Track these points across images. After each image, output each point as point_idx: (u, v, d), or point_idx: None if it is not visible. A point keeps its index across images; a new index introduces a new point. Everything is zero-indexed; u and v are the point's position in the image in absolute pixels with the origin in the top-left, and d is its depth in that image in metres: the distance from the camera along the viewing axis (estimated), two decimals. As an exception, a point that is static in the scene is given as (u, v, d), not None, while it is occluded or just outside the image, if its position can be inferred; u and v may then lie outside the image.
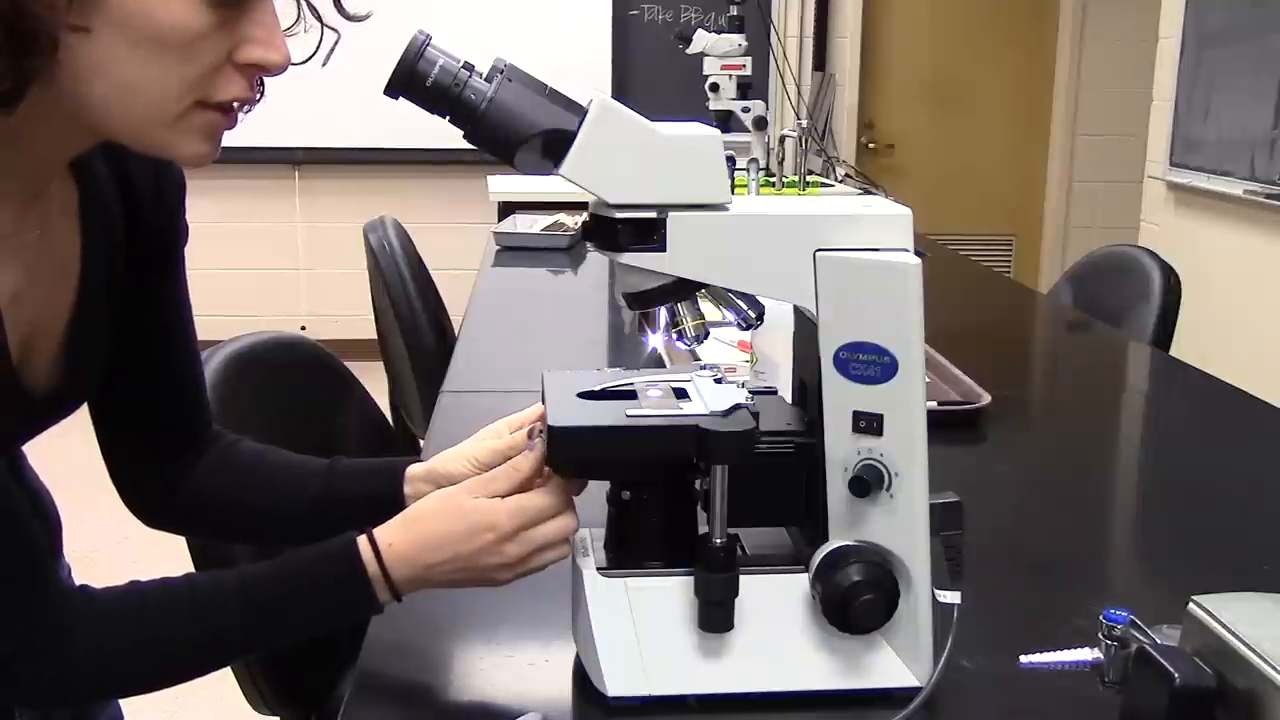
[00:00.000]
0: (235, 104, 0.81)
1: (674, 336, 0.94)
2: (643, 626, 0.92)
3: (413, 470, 1.07)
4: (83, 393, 0.99)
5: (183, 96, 0.78)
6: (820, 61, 5.76)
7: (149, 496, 1.10)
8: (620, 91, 5.39)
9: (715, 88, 3.70)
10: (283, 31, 0.81)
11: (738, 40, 3.71)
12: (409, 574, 0.91)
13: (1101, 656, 0.98)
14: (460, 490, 0.94)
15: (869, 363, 0.89)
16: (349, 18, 0.87)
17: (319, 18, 0.88)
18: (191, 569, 1.22)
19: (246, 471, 1.11)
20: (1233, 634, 0.80)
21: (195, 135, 0.80)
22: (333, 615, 0.93)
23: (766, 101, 4.68)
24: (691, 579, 0.91)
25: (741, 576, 0.90)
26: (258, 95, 0.84)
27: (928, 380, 0.97)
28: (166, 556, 1.30)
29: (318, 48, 0.89)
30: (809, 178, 4.01)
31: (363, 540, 0.91)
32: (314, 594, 0.91)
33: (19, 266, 0.85)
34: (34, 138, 0.82)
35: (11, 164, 0.83)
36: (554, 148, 0.85)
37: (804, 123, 4.12)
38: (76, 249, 0.92)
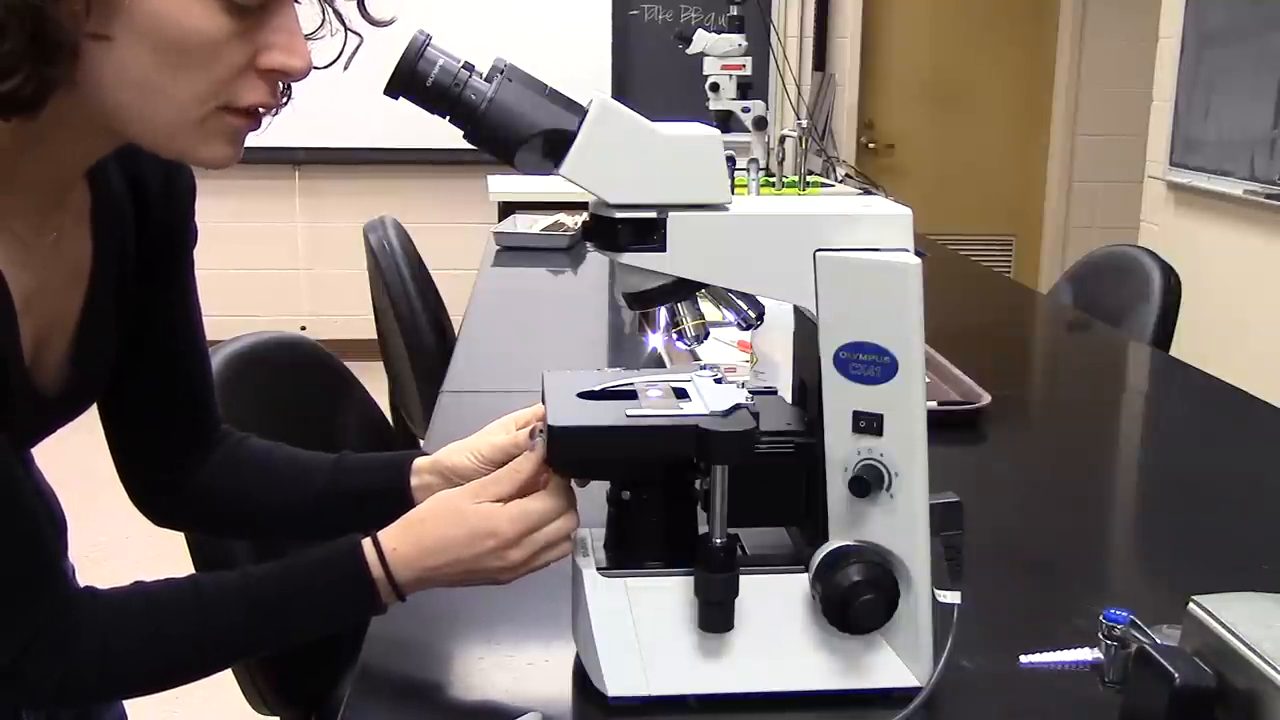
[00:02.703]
0: (259, 109, 0.82)
1: (674, 336, 0.94)
2: (643, 626, 0.92)
3: (419, 463, 1.08)
4: (91, 394, 0.99)
5: (205, 102, 0.78)
6: (820, 61, 5.76)
7: (158, 495, 1.11)
8: (620, 91, 5.39)
9: (715, 88, 3.70)
10: (304, 37, 0.81)
11: (738, 40, 3.71)
12: (412, 577, 0.92)
13: (1101, 656, 0.98)
14: (462, 494, 0.94)
15: (869, 363, 0.89)
16: (375, 23, 0.88)
17: (344, 24, 0.88)
18: (192, 569, 1.22)
19: (255, 468, 1.11)
20: (1233, 634, 0.80)
21: (218, 139, 0.81)
22: (337, 617, 0.93)
23: (766, 101, 4.68)
24: (691, 579, 0.91)
25: (741, 576, 0.90)
26: (283, 100, 0.84)
27: (928, 380, 0.97)
28: (167, 556, 1.30)
29: (341, 52, 0.89)
30: (809, 178, 4.01)
31: (367, 543, 0.91)
32: (318, 595, 0.91)
33: (33, 271, 0.86)
34: (56, 144, 0.82)
35: (35, 172, 0.83)
36: (554, 148, 0.85)
37: (804, 123, 4.12)
38: (88, 253, 0.93)
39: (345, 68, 0.90)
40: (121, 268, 0.96)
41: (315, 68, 0.83)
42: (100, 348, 0.97)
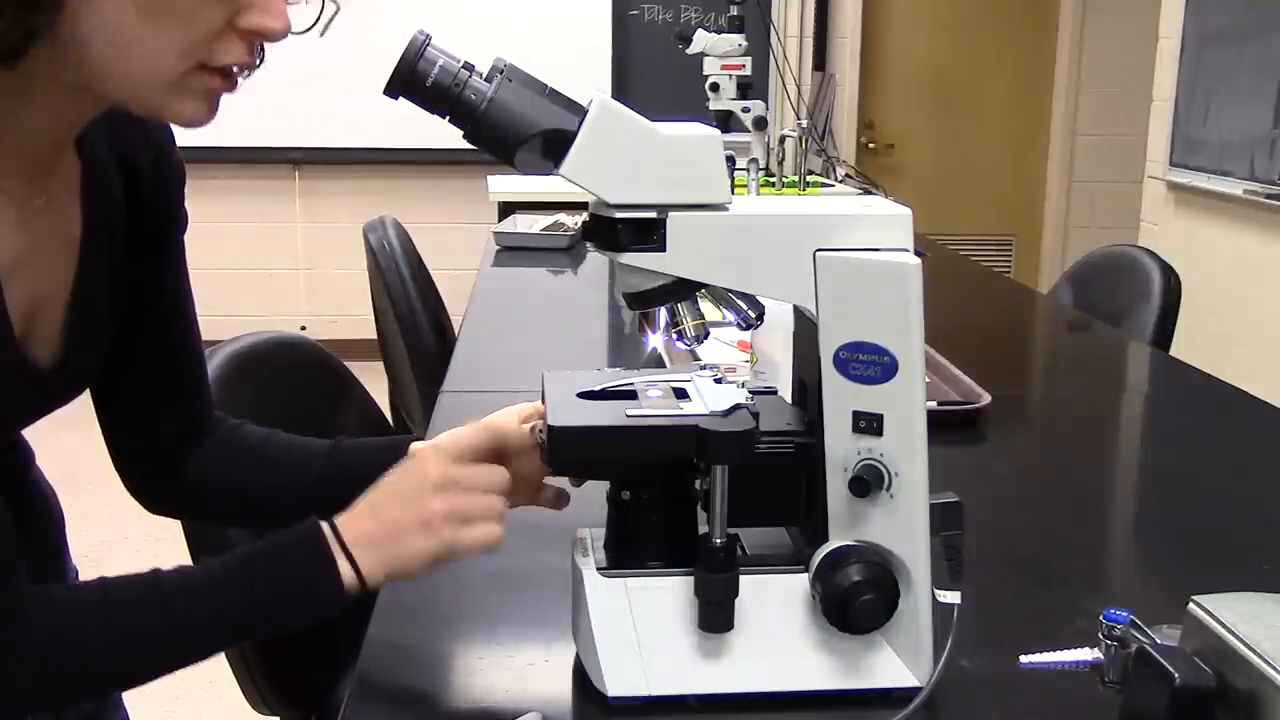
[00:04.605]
0: (235, 69, 0.82)
1: (674, 336, 0.94)
2: (643, 626, 0.92)
3: (415, 447, 1.07)
4: (86, 371, 0.98)
5: (183, 59, 0.79)
6: (820, 61, 5.76)
7: (152, 482, 1.10)
8: (620, 91, 5.39)
9: (715, 88, 3.70)
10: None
11: (738, 40, 3.71)
12: (359, 527, 0.89)
13: (1101, 656, 0.98)
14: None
15: (869, 363, 0.89)
16: None
17: None
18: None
19: (250, 454, 1.11)
20: (1233, 634, 0.80)
21: (194, 98, 0.82)
22: (293, 585, 0.89)
23: (766, 101, 4.68)
24: (691, 579, 0.91)
25: (741, 576, 0.90)
26: (258, 62, 0.85)
27: (928, 380, 0.97)
28: (167, 555, 1.30)
29: (318, 18, 0.89)
30: (809, 178, 4.01)
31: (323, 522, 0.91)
32: (272, 557, 0.89)
33: (23, 234, 0.86)
34: (42, 102, 0.83)
35: (23, 131, 0.84)
36: (554, 148, 0.85)
37: (804, 123, 4.13)
38: (78, 225, 0.93)
39: (321, 34, 0.90)
40: (111, 244, 0.97)
41: (294, 32, 0.84)
42: (93, 322, 0.96)
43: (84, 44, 0.78)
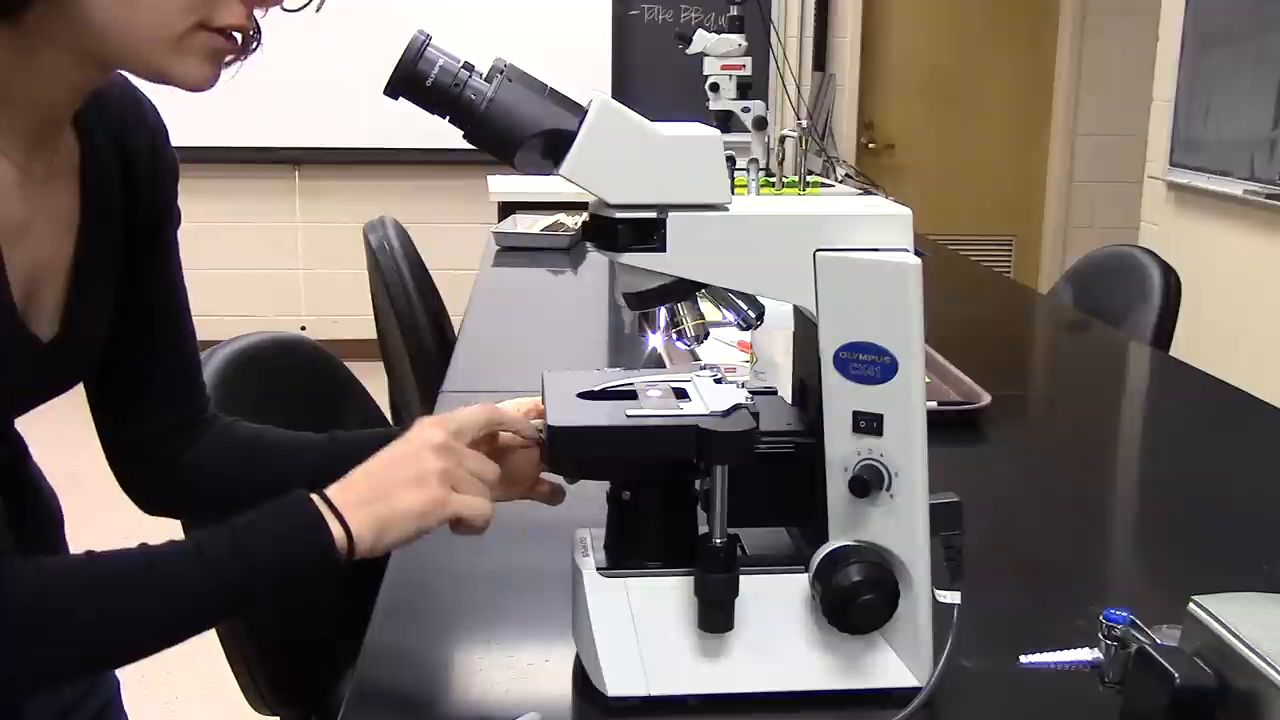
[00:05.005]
0: (235, 32, 0.84)
1: (674, 336, 0.94)
2: (643, 626, 0.92)
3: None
4: (85, 352, 0.98)
5: (184, 16, 0.81)
6: (820, 61, 5.76)
7: (147, 479, 1.10)
8: (620, 91, 5.39)
9: (715, 88, 3.70)
10: None
11: (738, 40, 3.71)
12: (350, 491, 0.89)
13: (1101, 656, 0.98)
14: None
15: (869, 363, 0.89)
16: None
17: None
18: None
19: (244, 450, 1.10)
20: (1233, 634, 0.80)
21: (197, 58, 0.83)
22: (282, 551, 0.87)
23: (766, 101, 4.68)
24: (691, 579, 0.91)
25: (741, 576, 0.90)
26: (255, 41, 0.86)
27: (928, 380, 0.97)
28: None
29: None
30: (809, 178, 4.01)
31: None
32: (259, 520, 0.88)
33: (25, 202, 0.87)
34: (44, 64, 0.83)
35: (26, 94, 0.84)
36: (554, 148, 0.85)
37: (804, 123, 4.13)
38: (76, 205, 0.94)
39: (318, 9, 0.91)
40: (109, 228, 0.97)
41: (287, 9, 0.86)
42: (92, 302, 0.96)
43: (87, 2, 0.79)
